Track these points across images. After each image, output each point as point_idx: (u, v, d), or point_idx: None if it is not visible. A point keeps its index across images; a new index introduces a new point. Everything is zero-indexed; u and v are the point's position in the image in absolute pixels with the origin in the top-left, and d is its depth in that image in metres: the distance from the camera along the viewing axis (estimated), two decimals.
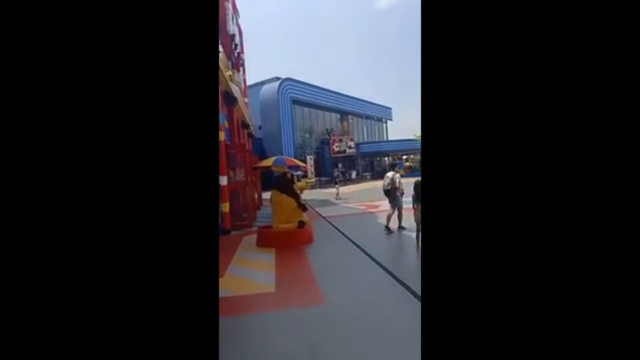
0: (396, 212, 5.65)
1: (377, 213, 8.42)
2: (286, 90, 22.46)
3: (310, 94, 24.32)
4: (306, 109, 24.50)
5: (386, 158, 30.04)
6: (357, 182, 20.71)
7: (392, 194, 5.59)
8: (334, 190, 14.88)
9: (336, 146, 24.20)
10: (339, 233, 6.23)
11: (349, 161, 25.18)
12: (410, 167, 26.14)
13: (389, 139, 32.37)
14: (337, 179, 13.17)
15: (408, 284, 3.33)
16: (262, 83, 23.30)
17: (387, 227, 5.63)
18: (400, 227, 5.63)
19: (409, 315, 2.76)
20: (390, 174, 5.85)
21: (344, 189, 13.38)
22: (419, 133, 24.64)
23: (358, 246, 5.05)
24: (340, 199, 12.09)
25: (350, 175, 17.61)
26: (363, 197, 12.30)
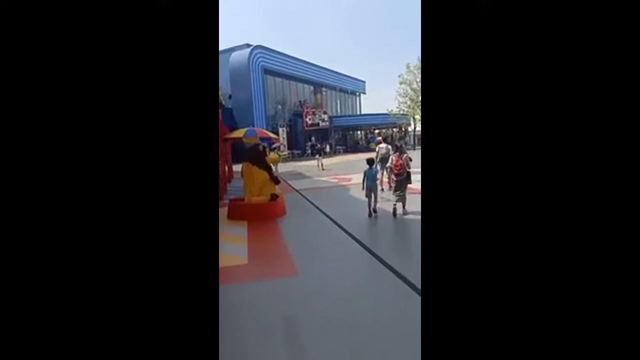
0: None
1: (349, 186, 8.50)
2: (257, 59, 21.39)
3: (283, 63, 23.37)
4: (278, 79, 23.63)
5: (359, 132, 30.15)
6: (331, 156, 20.72)
7: (387, 162, 6.34)
8: (307, 163, 14.95)
9: (309, 119, 23.81)
10: (313, 206, 6.24)
11: (322, 134, 24.99)
12: (382, 141, 26.47)
13: (363, 112, 32.35)
14: (321, 151, 14.23)
15: (379, 254, 3.42)
16: (232, 50, 21.98)
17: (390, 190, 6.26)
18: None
19: (381, 285, 2.85)
20: (384, 145, 7.15)
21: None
22: (391, 108, 24.90)
23: (331, 219, 5.10)
24: (323, 169, 12.66)
25: (324, 148, 17.76)
26: (347, 169, 12.37)
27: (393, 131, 27.92)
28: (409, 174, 5.00)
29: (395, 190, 5.06)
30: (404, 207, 5.02)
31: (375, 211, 4.99)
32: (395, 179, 5.05)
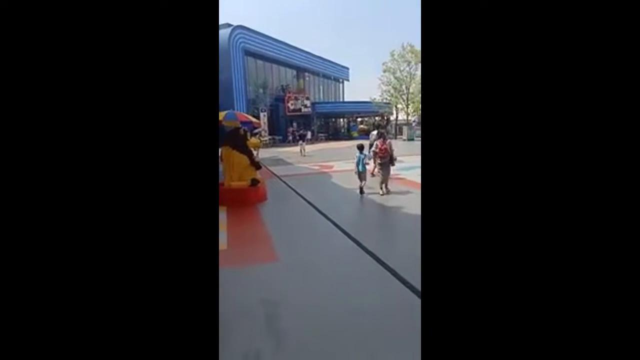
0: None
1: (331, 173, 8.49)
2: (238, 40, 20.60)
3: (265, 45, 22.65)
4: (260, 61, 22.93)
5: (341, 119, 30.06)
6: (312, 143, 20.58)
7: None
8: (288, 149, 14.91)
9: (291, 104, 23.42)
10: (294, 192, 6.19)
11: (304, 120, 24.72)
12: (364, 129, 26.57)
13: (345, 100, 32.18)
14: (304, 137, 14.74)
15: (360, 240, 3.44)
16: None
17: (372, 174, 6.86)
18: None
19: (361, 271, 2.87)
20: (375, 132, 7.59)
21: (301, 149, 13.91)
22: (374, 96, 24.89)
23: (313, 205, 5.07)
24: (305, 156, 13.00)
25: (305, 135, 17.62)
26: (329, 157, 12.33)
27: (375, 119, 28.03)
28: (391, 157, 5.63)
29: (380, 172, 5.70)
30: (386, 187, 5.63)
31: (362, 192, 5.62)
32: (379, 162, 5.61)
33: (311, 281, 2.65)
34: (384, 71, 23.56)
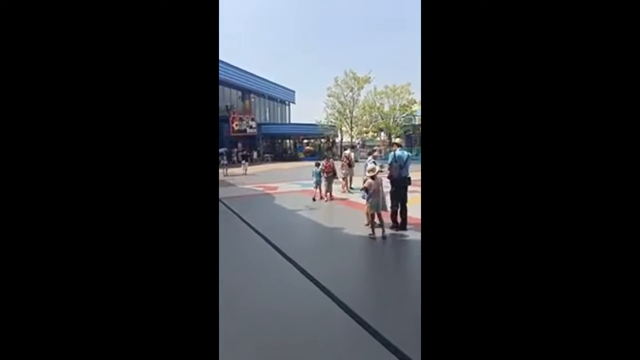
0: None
1: (274, 194, 8.44)
2: None
3: None
4: None
5: (288, 141, 30.33)
6: (258, 164, 20.31)
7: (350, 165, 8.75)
8: (233, 170, 14.58)
9: (236, 124, 23.09)
10: (234, 214, 6.01)
11: (250, 141, 24.44)
12: (310, 150, 27.08)
13: (292, 122, 32.67)
14: (247, 157, 15.31)
15: (299, 263, 3.44)
16: None
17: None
18: (351, 189, 8.46)
19: (300, 296, 2.86)
20: (348, 151, 9.60)
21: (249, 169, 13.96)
22: (319, 118, 25.72)
23: (253, 228, 4.97)
24: (246, 174, 13.48)
25: (248, 155, 17.41)
26: (274, 178, 12.19)
27: (321, 141, 28.80)
28: (335, 173, 7.69)
29: (327, 183, 7.51)
30: (330, 195, 7.43)
31: (321, 198, 7.35)
32: (326, 176, 7.50)
33: (249, 303, 2.56)
34: (329, 96, 24.60)
